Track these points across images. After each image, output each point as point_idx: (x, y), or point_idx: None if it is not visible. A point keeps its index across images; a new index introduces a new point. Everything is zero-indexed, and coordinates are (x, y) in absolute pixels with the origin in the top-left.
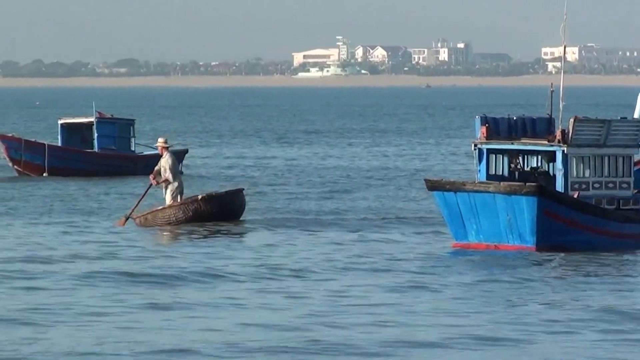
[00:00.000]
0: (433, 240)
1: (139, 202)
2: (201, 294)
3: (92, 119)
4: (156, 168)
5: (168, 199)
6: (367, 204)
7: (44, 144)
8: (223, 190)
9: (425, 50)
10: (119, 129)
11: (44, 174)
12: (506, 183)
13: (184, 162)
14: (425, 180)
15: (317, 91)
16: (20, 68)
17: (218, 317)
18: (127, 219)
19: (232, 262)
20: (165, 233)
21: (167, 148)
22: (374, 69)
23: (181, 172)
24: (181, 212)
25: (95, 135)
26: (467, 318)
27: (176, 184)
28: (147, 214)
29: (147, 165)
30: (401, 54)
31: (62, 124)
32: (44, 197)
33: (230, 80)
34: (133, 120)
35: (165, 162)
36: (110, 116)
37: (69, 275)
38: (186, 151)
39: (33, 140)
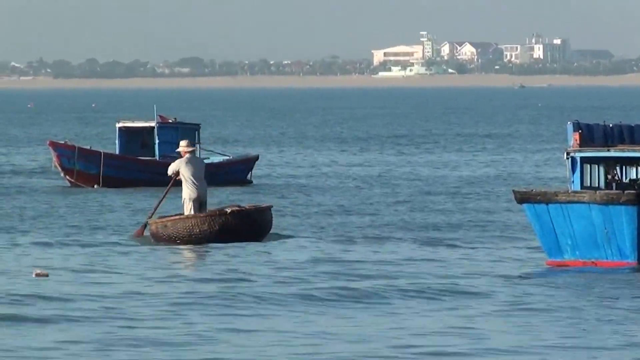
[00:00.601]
0: (525, 258)
1: (159, 203)
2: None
3: (152, 124)
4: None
5: (184, 207)
6: (453, 218)
7: (100, 152)
8: (252, 205)
9: (518, 46)
10: (182, 134)
11: (95, 185)
12: (602, 192)
13: (254, 170)
14: (514, 191)
15: (400, 92)
16: (73, 68)
17: None
18: (145, 226)
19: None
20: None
21: (191, 152)
22: (461, 67)
23: (250, 181)
24: (206, 224)
25: (157, 141)
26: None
27: (186, 189)
28: (167, 220)
29: (213, 174)
30: (492, 51)
31: (120, 128)
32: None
33: (304, 81)
34: (198, 125)
35: (176, 165)
36: (173, 120)
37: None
38: (257, 157)
39: (88, 147)
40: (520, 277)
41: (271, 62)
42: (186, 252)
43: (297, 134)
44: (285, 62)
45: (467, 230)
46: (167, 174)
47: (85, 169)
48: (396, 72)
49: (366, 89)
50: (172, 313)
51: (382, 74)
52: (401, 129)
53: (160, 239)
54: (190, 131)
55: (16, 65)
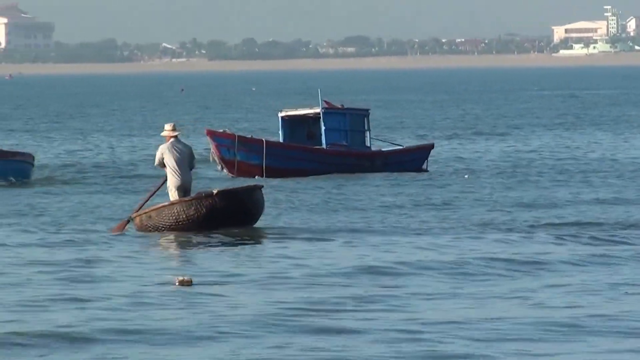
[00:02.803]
0: None
1: (148, 198)
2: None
3: (318, 110)
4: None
5: (171, 196)
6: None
7: (262, 141)
8: (240, 186)
9: None
10: (350, 121)
11: (256, 176)
12: None
13: (430, 158)
14: None
15: (582, 71)
16: (229, 49)
17: None
18: (128, 222)
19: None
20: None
21: (175, 136)
22: None
23: (426, 170)
24: (192, 208)
25: (323, 129)
26: None
27: (179, 180)
28: (151, 210)
29: (385, 163)
30: None
31: (283, 117)
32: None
33: (479, 60)
34: (367, 110)
35: (160, 152)
36: (340, 106)
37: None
38: (432, 146)
39: (249, 136)
40: None
41: (443, 41)
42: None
43: (483, 118)
44: (459, 40)
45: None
46: (335, 163)
47: (246, 159)
48: (578, 49)
49: (546, 68)
50: None
51: (563, 52)
52: (587, 111)
53: (146, 231)
54: (359, 117)
55: (168, 46)
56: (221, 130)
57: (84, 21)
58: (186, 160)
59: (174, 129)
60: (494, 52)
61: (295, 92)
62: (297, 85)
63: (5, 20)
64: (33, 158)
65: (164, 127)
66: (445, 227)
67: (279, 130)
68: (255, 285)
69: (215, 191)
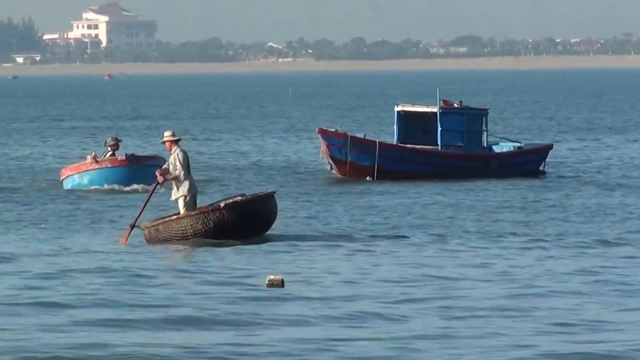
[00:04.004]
0: None
1: (144, 206)
2: None
3: (435, 109)
4: (164, 166)
5: (181, 205)
6: None
7: (375, 142)
8: (250, 195)
9: None
10: (467, 121)
11: (368, 178)
12: None
13: (547, 159)
14: None
15: None
16: (337, 48)
17: None
18: (132, 229)
19: None
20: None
21: (176, 142)
22: None
23: (543, 172)
24: (200, 222)
25: (439, 129)
26: None
27: (187, 184)
28: (159, 223)
29: (502, 165)
30: None
31: (399, 112)
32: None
33: (594, 61)
34: (486, 110)
35: (174, 158)
36: (458, 105)
37: None
38: (550, 147)
39: (361, 136)
40: None
41: (557, 41)
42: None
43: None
44: (573, 40)
45: None
46: (448, 165)
47: (357, 160)
48: None
49: None
50: None
51: None
52: None
53: (155, 243)
54: (477, 117)
55: (274, 45)
56: (333, 130)
57: (187, 19)
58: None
59: (174, 134)
60: (609, 52)
61: (404, 93)
62: (406, 86)
63: (106, 18)
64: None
65: (163, 135)
66: None
67: (394, 125)
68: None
69: (222, 204)
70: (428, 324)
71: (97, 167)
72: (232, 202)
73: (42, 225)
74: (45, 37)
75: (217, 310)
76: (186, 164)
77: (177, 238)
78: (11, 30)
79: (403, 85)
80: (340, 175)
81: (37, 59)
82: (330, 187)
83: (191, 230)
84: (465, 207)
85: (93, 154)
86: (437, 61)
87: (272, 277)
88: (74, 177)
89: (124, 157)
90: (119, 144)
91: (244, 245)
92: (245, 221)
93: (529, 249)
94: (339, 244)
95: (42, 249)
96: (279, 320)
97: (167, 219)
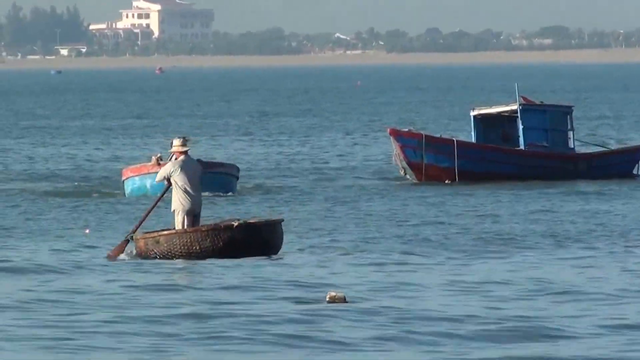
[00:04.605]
0: None
1: (145, 216)
2: None
3: (514, 107)
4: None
5: (178, 223)
6: None
7: (452, 141)
8: (262, 219)
9: None
10: (551, 119)
11: (447, 181)
12: None
13: None
14: None
15: None
16: (410, 40)
17: None
18: (128, 241)
19: None
20: None
21: (185, 152)
22: None
23: (637, 175)
24: (209, 239)
25: (520, 128)
26: None
27: (189, 203)
28: (160, 235)
29: (590, 166)
30: None
31: (475, 116)
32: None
33: None
34: (570, 107)
35: (167, 169)
36: (539, 103)
37: None
38: None
39: (437, 136)
40: None
41: None
42: None
43: None
44: None
45: None
46: (534, 165)
47: (434, 161)
48: None
49: None
50: None
51: None
52: None
53: (149, 257)
54: (561, 115)
55: (342, 37)
56: (406, 130)
57: (246, 8)
58: (198, 181)
59: (184, 144)
60: None
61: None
62: (485, 81)
63: (158, 7)
64: (238, 170)
65: (171, 143)
66: None
67: (471, 130)
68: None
69: (235, 224)
70: None
71: (158, 170)
72: (245, 224)
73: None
74: (92, 27)
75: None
76: (181, 178)
77: (180, 253)
78: (55, 19)
79: (482, 79)
80: (416, 180)
81: (83, 51)
82: (408, 191)
83: (197, 247)
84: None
85: (158, 155)
86: (519, 54)
87: (333, 293)
88: (134, 180)
89: None
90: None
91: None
92: (253, 244)
93: None
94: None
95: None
96: None
97: (171, 231)
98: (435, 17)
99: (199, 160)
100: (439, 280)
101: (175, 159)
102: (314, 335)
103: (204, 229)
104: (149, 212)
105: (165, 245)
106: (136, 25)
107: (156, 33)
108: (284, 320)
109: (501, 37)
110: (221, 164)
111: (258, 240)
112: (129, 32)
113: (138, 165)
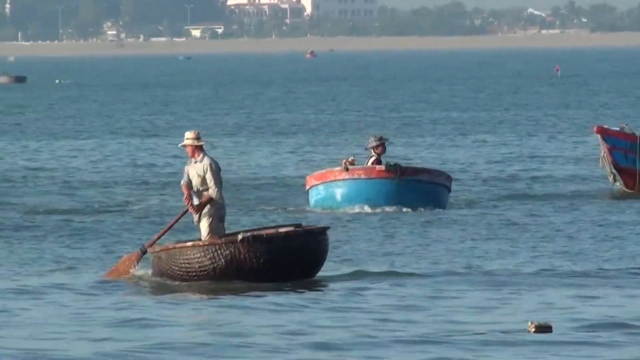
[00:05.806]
0: None
1: (164, 232)
2: None
3: None
4: (184, 180)
5: (204, 228)
6: None
7: None
8: (283, 226)
9: None
10: None
11: None
12: None
13: None
14: None
15: None
16: (619, 16)
17: None
18: (142, 254)
19: None
20: None
21: (201, 147)
22: None
23: None
24: (208, 256)
25: None
26: None
27: (225, 208)
28: (164, 250)
29: None
30: None
31: None
32: None
33: None
34: None
35: (203, 169)
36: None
37: None
38: None
39: None
40: None
41: None
42: None
43: None
44: None
45: None
46: None
47: None
48: None
49: None
50: None
51: None
52: None
53: (156, 276)
54: None
55: (536, 12)
56: (617, 129)
57: None
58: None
59: (197, 138)
60: None
61: None
62: None
63: None
64: (449, 179)
65: (184, 136)
66: None
67: None
68: None
69: (240, 236)
70: None
71: (346, 177)
72: (252, 234)
73: None
74: (230, 2)
75: None
76: (220, 179)
77: (180, 272)
78: None
79: None
80: (627, 190)
81: (219, 31)
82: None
83: (196, 265)
84: None
85: (350, 158)
86: None
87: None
88: (318, 189)
89: (382, 167)
90: (386, 145)
91: None
92: (269, 261)
93: None
94: None
95: None
96: None
97: (177, 245)
98: None
99: (395, 164)
100: None
101: (193, 156)
102: None
103: (203, 244)
104: (172, 225)
105: (166, 261)
106: (284, 1)
107: (309, 10)
108: None
109: None
110: (426, 170)
111: (275, 255)
112: (275, 9)
113: (323, 171)
